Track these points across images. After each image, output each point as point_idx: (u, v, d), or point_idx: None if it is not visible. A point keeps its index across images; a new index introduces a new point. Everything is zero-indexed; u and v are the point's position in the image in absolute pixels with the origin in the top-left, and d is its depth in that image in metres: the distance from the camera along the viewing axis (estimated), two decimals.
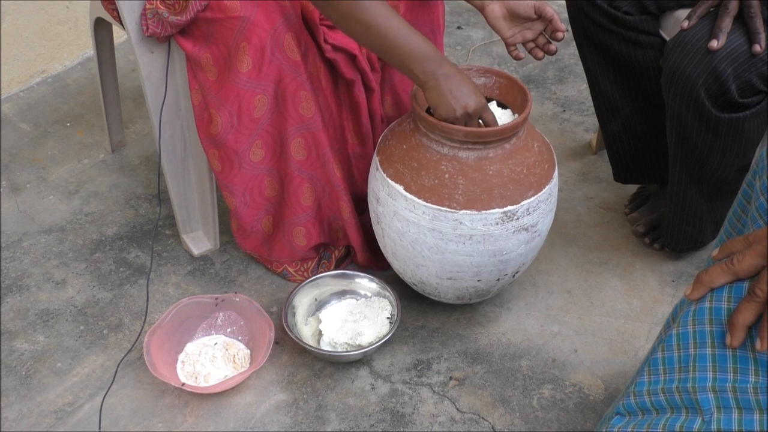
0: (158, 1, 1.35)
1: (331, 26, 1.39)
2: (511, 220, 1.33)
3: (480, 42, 2.39)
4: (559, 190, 1.64)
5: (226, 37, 1.34)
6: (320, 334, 1.47)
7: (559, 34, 1.37)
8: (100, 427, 1.34)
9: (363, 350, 1.42)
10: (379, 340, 1.42)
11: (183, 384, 1.35)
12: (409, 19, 1.45)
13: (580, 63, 1.73)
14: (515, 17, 1.38)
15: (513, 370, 1.46)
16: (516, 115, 1.40)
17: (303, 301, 1.51)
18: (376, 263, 1.60)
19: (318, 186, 1.50)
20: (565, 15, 1.62)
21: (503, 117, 1.38)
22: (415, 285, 1.49)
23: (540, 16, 1.37)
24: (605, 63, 1.59)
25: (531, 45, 1.41)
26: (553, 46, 1.41)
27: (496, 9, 1.37)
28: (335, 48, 1.39)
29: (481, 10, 1.39)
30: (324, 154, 1.44)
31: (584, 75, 1.66)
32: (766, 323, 0.84)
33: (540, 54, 1.42)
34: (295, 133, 1.42)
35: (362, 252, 1.58)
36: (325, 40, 1.38)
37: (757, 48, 1.30)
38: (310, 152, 1.44)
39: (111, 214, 1.78)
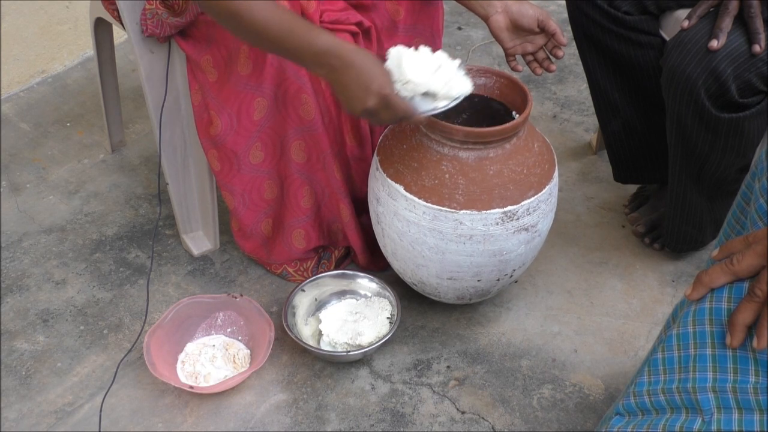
0: (158, 2, 1.35)
1: (331, 29, 1.38)
2: (512, 220, 1.33)
3: (480, 42, 2.39)
4: (559, 190, 1.64)
5: (226, 39, 1.34)
6: (320, 334, 1.47)
7: (560, 52, 1.40)
8: (100, 427, 1.34)
9: (363, 350, 1.42)
10: (379, 340, 1.42)
11: (192, 387, 1.34)
12: (409, 22, 1.45)
13: (580, 63, 1.73)
14: (518, 29, 1.39)
15: (513, 370, 1.46)
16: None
17: (303, 301, 1.51)
18: (375, 264, 1.60)
19: (318, 188, 1.50)
20: (565, 15, 1.62)
21: (444, 63, 1.23)
22: (415, 285, 1.49)
23: (543, 30, 1.38)
24: (605, 63, 1.59)
25: (530, 58, 1.43)
26: (553, 66, 1.42)
27: (500, 20, 1.38)
28: None
29: (485, 19, 1.40)
30: (324, 156, 1.44)
31: (584, 75, 1.67)
32: (765, 322, 0.84)
33: (539, 70, 1.44)
34: (295, 136, 1.42)
35: (362, 254, 1.58)
36: None
37: (757, 48, 1.30)
38: (310, 155, 1.44)
39: (111, 214, 1.78)
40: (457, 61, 1.25)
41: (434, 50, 1.23)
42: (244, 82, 1.35)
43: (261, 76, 1.34)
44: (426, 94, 1.21)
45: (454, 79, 1.22)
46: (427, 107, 1.22)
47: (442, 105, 1.23)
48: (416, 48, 1.22)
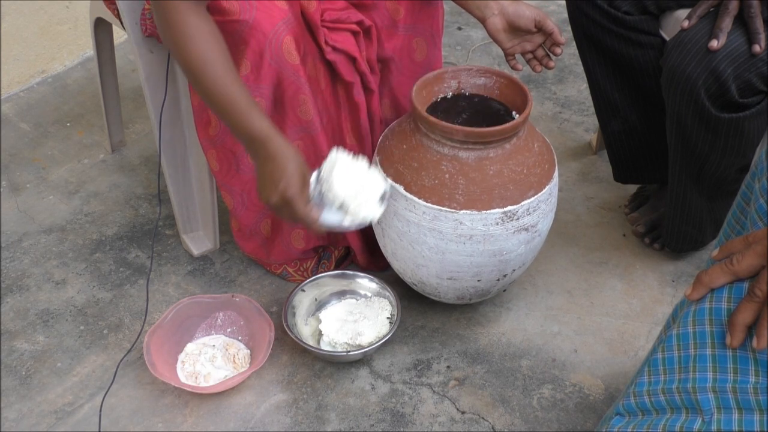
0: None
1: (332, 28, 1.39)
2: (512, 220, 1.33)
3: (480, 42, 2.39)
4: (559, 190, 1.64)
5: (225, 40, 1.34)
6: (320, 334, 1.47)
7: (558, 50, 1.41)
8: (100, 427, 1.34)
9: (363, 350, 1.42)
10: (379, 340, 1.42)
11: (192, 387, 1.34)
12: (409, 21, 1.45)
13: (580, 63, 1.73)
14: (515, 30, 1.40)
15: (513, 370, 1.46)
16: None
17: (303, 301, 1.51)
18: (375, 264, 1.60)
19: None
20: (565, 15, 1.62)
21: (364, 182, 1.27)
22: (415, 285, 1.49)
23: (540, 30, 1.39)
24: (605, 63, 1.59)
25: (529, 56, 1.44)
26: (552, 62, 1.43)
27: (497, 22, 1.39)
28: (335, 49, 1.39)
29: (482, 21, 1.41)
30: (323, 156, 1.44)
31: (584, 75, 1.67)
32: (765, 322, 0.84)
33: (538, 68, 1.45)
34: (293, 136, 1.41)
35: (362, 254, 1.58)
36: (326, 42, 1.38)
37: (757, 48, 1.30)
38: (308, 156, 1.44)
39: (111, 214, 1.78)
40: (386, 185, 1.30)
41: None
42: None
43: (259, 76, 1.33)
44: (341, 207, 1.24)
45: (367, 203, 1.26)
46: (333, 220, 1.25)
47: (346, 224, 1.25)
48: (356, 156, 1.26)
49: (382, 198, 1.29)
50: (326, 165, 1.25)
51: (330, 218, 1.25)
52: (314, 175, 1.24)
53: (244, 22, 1.28)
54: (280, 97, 1.37)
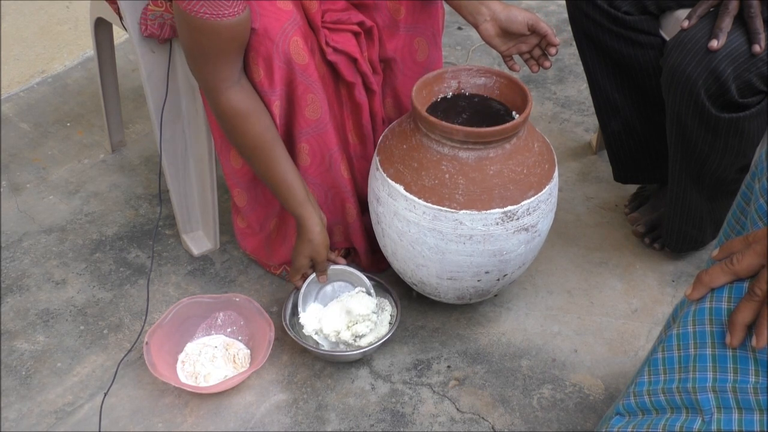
0: (167, 5, 1.35)
1: (333, 29, 1.38)
2: (512, 220, 1.33)
3: (480, 42, 2.39)
4: (559, 190, 1.64)
5: None
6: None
7: (553, 50, 1.41)
8: (100, 427, 1.34)
9: (363, 350, 1.42)
10: (379, 340, 1.42)
11: (192, 387, 1.34)
12: (410, 21, 1.45)
13: (580, 63, 1.73)
14: (509, 34, 1.40)
15: (513, 370, 1.46)
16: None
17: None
18: (377, 266, 1.60)
19: (320, 192, 1.49)
20: (565, 15, 1.62)
21: (358, 306, 1.45)
22: (415, 285, 1.49)
23: (534, 32, 1.39)
24: (605, 63, 1.59)
25: (527, 56, 1.45)
26: (548, 62, 1.44)
27: (489, 28, 1.40)
28: (336, 50, 1.38)
29: (475, 27, 1.41)
30: (331, 154, 1.44)
31: (584, 75, 1.67)
32: (764, 321, 0.84)
33: (535, 68, 1.46)
34: (300, 138, 1.41)
35: (365, 255, 1.58)
36: (327, 43, 1.37)
37: (757, 48, 1.30)
38: (314, 157, 1.44)
39: (111, 214, 1.78)
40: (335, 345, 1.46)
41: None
42: (258, 88, 1.33)
43: (272, 81, 1.32)
44: (322, 310, 1.47)
45: (311, 324, 1.45)
46: (307, 307, 1.47)
47: (304, 312, 1.46)
48: (381, 310, 1.48)
49: (324, 340, 1.45)
50: (355, 290, 1.48)
51: (308, 307, 1.47)
52: (355, 272, 1.49)
53: (252, 30, 1.27)
54: (290, 95, 1.36)
